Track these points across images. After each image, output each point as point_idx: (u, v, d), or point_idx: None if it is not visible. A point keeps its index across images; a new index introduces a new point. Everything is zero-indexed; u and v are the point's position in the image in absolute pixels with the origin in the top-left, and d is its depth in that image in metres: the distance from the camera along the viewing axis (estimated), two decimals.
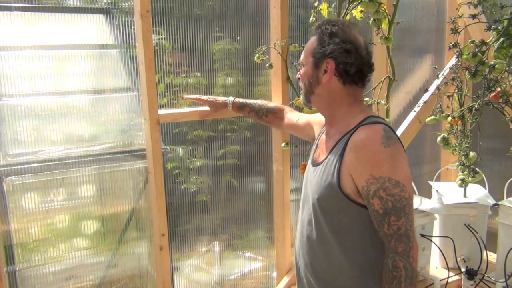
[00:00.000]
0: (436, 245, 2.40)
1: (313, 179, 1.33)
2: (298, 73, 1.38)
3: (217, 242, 2.32)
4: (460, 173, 2.31)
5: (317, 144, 1.45)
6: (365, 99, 2.02)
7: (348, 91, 1.30)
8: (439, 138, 2.22)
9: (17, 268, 1.80)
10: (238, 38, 2.18)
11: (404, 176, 1.16)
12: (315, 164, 1.35)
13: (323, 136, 1.41)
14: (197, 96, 1.97)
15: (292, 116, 1.81)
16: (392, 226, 1.15)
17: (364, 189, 1.18)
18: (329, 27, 1.29)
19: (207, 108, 2.00)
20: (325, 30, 1.29)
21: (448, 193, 2.52)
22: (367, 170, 1.16)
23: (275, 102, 2.24)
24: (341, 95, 1.30)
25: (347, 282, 1.28)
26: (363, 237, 1.25)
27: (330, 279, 1.31)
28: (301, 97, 1.40)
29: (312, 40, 1.33)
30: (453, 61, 2.60)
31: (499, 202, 2.29)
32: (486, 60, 1.70)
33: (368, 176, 1.16)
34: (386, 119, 2.07)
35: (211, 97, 1.96)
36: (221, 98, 1.95)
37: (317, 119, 1.62)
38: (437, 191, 2.53)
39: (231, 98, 1.92)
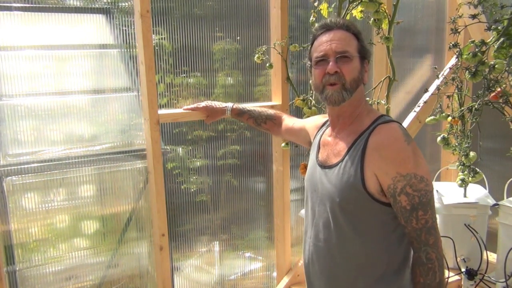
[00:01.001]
0: None
1: (326, 181, 1.31)
2: (337, 65, 1.27)
3: (217, 242, 2.32)
4: (460, 173, 2.31)
5: (318, 146, 1.43)
6: (365, 99, 2.02)
7: (364, 90, 1.37)
8: (439, 138, 2.22)
9: (17, 268, 1.80)
10: (238, 38, 2.18)
11: (426, 171, 1.20)
12: (326, 166, 1.33)
13: (328, 138, 1.39)
14: (195, 105, 1.94)
15: (289, 122, 1.81)
16: (421, 220, 1.18)
17: (390, 187, 1.19)
18: (356, 28, 1.33)
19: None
20: (357, 30, 1.33)
21: (448, 193, 2.52)
22: (393, 168, 1.18)
23: (275, 101, 2.24)
24: (363, 94, 1.36)
25: (366, 285, 1.28)
26: (386, 235, 1.26)
27: (348, 282, 1.30)
28: (339, 92, 1.28)
29: (351, 37, 1.31)
30: (453, 61, 2.60)
31: (499, 202, 2.29)
32: (486, 60, 1.70)
33: (395, 174, 1.18)
34: None
35: (208, 104, 1.93)
36: (219, 104, 1.92)
37: (311, 122, 1.63)
38: (437, 191, 2.53)
39: (229, 105, 1.90)
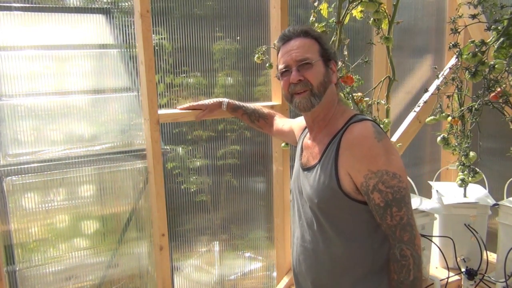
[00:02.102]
0: (436, 245, 2.40)
1: (306, 183, 1.33)
2: (300, 74, 1.30)
3: (217, 242, 2.32)
4: (460, 173, 2.31)
5: (301, 148, 1.45)
6: (365, 99, 2.02)
7: (335, 90, 1.38)
8: (439, 138, 2.22)
9: (17, 268, 1.80)
10: (238, 38, 2.18)
11: (399, 167, 1.20)
12: (306, 168, 1.36)
13: (308, 141, 1.42)
14: (189, 105, 1.96)
15: (279, 123, 1.85)
16: (395, 217, 1.18)
17: (363, 185, 1.20)
18: (316, 32, 1.36)
19: None
20: (319, 34, 1.35)
21: (448, 193, 2.52)
22: (364, 166, 1.19)
23: (275, 101, 2.24)
24: (335, 94, 1.37)
25: (351, 284, 1.29)
26: (368, 234, 1.26)
27: (333, 282, 1.32)
28: (307, 99, 1.31)
29: (311, 41, 1.33)
30: (453, 61, 2.60)
31: (499, 202, 2.30)
32: (486, 60, 1.69)
33: (366, 172, 1.18)
34: (386, 119, 2.07)
35: (204, 102, 1.96)
36: (215, 100, 1.96)
37: (297, 123, 1.66)
38: (437, 191, 2.53)
39: (225, 100, 1.94)
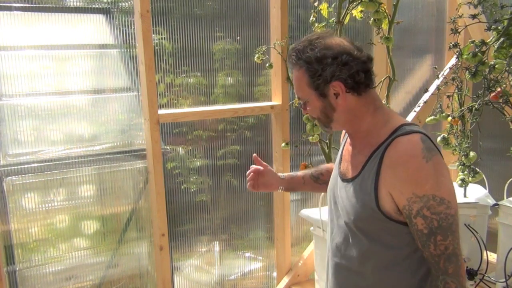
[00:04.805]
0: None
1: (344, 195, 1.23)
2: (304, 110, 1.24)
3: (217, 242, 2.32)
4: (460, 173, 2.31)
5: (341, 155, 1.33)
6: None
7: (366, 100, 1.19)
8: (439, 138, 2.22)
9: (17, 268, 1.80)
10: (238, 38, 2.18)
11: (448, 191, 1.08)
12: (345, 179, 1.24)
13: (349, 147, 1.29)
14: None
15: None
16: (439, 246, 1.07)
17: (405, 208, 1.08)
18: (310, 53, 1.15)
19: (207, 108, 2.02)
20: (308, 58, 1.15)
21: None
22: (408, 189, 1.07)
23: (275, 101, 2.24)
24: (360, 107, 1.19)
25: None
26: (405, 255, 1.16)
27: None
28: (319, 126, 1.28)
29: (300, 74, 1.18)
30: (453, 61, 2.60)
31: (499, 202, 2.29)
32: (486, 60, 1.69)
33: (410, 195, 1.07)
34: None
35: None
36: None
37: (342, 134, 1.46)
38: None
39: (280, 174, 1.58)
